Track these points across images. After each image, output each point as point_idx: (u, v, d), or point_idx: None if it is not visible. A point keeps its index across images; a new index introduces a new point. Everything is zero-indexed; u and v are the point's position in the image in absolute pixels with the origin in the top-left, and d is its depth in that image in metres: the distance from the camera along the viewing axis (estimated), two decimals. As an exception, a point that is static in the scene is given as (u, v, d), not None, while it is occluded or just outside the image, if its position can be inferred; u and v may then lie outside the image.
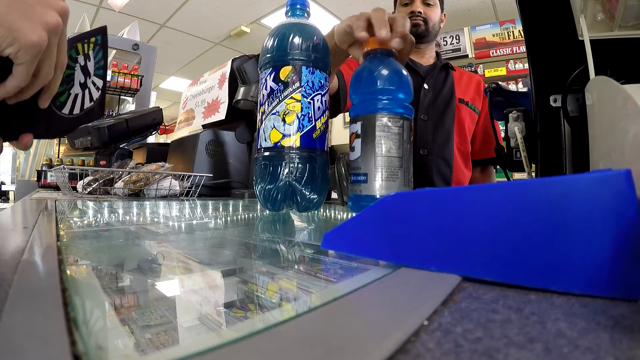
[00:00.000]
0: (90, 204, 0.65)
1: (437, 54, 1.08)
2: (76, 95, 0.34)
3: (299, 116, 0.49)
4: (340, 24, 0.53)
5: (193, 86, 1.38)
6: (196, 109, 1.30)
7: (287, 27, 0.51)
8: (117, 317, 0.14)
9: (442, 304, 0.14)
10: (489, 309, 0.14)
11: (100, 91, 0.37)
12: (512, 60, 2.89)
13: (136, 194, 0.89)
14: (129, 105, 2.21)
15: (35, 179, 1.69)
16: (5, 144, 0.30)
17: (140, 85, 2.11)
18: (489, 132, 1.04)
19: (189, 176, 0.94)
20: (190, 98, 1.37)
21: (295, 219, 0.52)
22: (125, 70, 2.05)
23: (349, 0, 2.89)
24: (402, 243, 0.19)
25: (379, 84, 0.46)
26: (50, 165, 1.72)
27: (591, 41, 0.40)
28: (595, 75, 0.39)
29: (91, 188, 0.88)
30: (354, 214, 0.25)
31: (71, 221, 0.43)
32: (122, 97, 2.14)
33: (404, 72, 0.47)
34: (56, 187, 1.49)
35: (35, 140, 0.31)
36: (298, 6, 0.53)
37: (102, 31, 0.35)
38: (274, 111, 0.50)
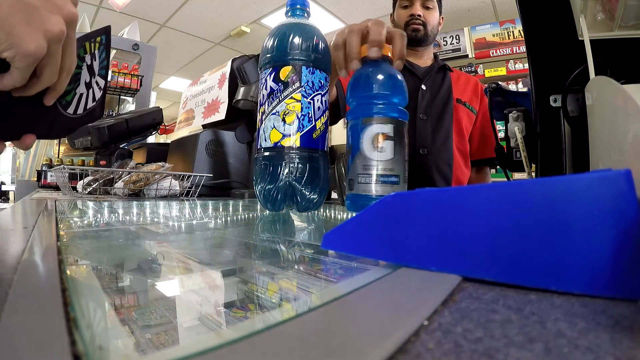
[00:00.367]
0: (90, 204, 0.65)
1: (435, 56, 1.09)
2: (81, 94, 0.34)
3: (299, 116, 0.49)
4: (334, 40, 0.54)
5: (193, 86, 1.37)
6: (196, 109, 1.30)
7: (287, 27, 0.51)
8: (117, 317, 0.14)
9: (442, 304, 0.14)
10: (489, 309, 0.14)
11: (102, 91, 0.37)
12: (512, 60, 2.89)
13: (136, 194, 0.89)
14: (129, 105, 2.21)
15: (35, 179, 1.69)
16: (7, 144, 0.30)
17: (140, 85, 2.11)
18: (485, 133, 1.05)
19: (189, 176, 0.94)
20: (190, 98, 1.37)
21: (295, 219, 0.52)
22: (125, 70, 2.05)
23: (349, 0, 2.89)
24: (402, 243, 0.19)
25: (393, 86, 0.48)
26: (50, 165, 1.72)
27: (591, 41, 0.40)
28: (595, 75, 0.39)
29: (91, 188, 0.88)
30: (353, 214, 0.25)
31: (71, 221, 0.43)
32: (122, 97, 2.14)
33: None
34: (56, 187, 1.49)
35: (35, 141, 0.31)
36: (298, 6, 0.53)
37: (106, 31, 0.36)
38: (274, 111, 0.50)
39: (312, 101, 0.50)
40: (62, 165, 0.96)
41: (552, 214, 0.15)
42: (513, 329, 0.12)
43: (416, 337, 0.11)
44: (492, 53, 2.93)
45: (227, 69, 1.15)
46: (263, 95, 0.51)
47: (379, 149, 0.46)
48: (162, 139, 4.90)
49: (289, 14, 0.54)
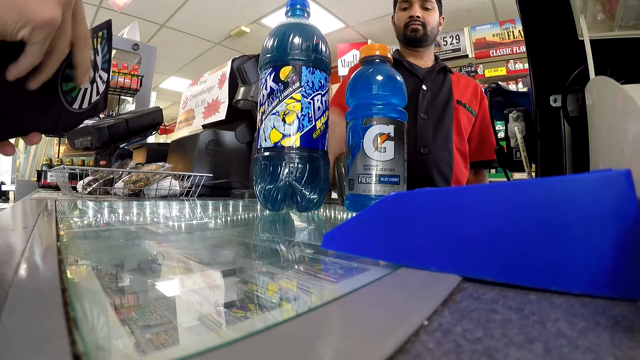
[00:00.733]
0: (90, 204, 0.65)
1: (436, 57, 1.10)
2: (85, 90, 0.34)
3: (299, 116, 0.49)
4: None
5: (193, 86, 1.37)
6: (196, 109, 1.30)
7: (287, 27, 0.51)
8: (117, 317, 0.14)
9: (442, 304, 0.14)
10: (489, 309, 0.14)
11: (105, 84, 0.37)
12: (512, 60, 2.89)
13: (136, 194, 0.89)
14: (129, 105, 2.21)
15: (35, 179, 1.69)
16: (12, 140, 0.30)
17: (140, 85, 2.10)
18: (484, 136, 1.07)
19: (189, 176, 0.94)
20: (190, 98, 1.37)
21: (295, 219, 0.52)
22: (125, 70, 2.05)
23: (349, 0, 2.89)
24: (402, 243, 0.19)
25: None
26: (50, 165, 1.72)
27: (591, 41, 0.40)
28: (595, 75, 0.39)
29: (91, 188, 0.88)
30: (354, 214, 0.25)
31: (71, 221, 0.43)
32: (122, 97, 2.14)
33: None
34: (56, 187, 1.49)
35: (41, 138, 0.32)
36: (298, 6, 0.53)
37: (108, 25, 0.36)
38: (274, 111, 0.50)
39: (312, 101, 0.50)
40: (62, 165, 0.96)
41: (552, 214, 0.15)
42: (513, 329, 0.12)
43: (416, 337, 0.11)
44: (492, 53, 2.93)
45: (227, 69, 1.15)
46: (263, 95, 0.51)
47: (379, 149, 0.46)
48: (162, 139, 4.90)
49: (289, 14, 0.54)
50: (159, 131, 1.53)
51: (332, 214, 0.59)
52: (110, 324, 0.13)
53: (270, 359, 0.09)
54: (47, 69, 0.27)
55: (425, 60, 1.06)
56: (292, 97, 0.49)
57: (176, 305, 0.16)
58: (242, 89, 1.01)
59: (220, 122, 1.14)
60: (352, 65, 3.26)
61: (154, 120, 1.38)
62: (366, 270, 0.20)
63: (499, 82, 0.68)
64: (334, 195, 1.14)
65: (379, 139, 0.46)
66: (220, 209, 0.64)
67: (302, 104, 0.49)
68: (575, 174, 0.16)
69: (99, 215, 0.50)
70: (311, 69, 0.50)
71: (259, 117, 0.52)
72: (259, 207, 0.67)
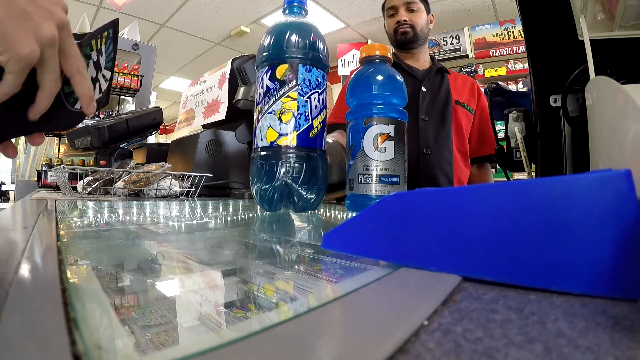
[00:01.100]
0: (90, 204, 0.65)
1: (432, 58, 1.12)
2: None
3: (296, 115, 0.49)
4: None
5: (193, 86, 1.37)
6: (196, 109, 1.29)
7: (283, 25, 0.51)
8: (117, 317, 0.14)
9: (442, 304, 0.14)
10: (489, 309, 0.14)
11: (107, 82, 0.37)
12: (512, 60, 2.89)
13: (136, 194, 0.89)
14: (129, 105, 2.21)
15: (35, 179, 1.69)
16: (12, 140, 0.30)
17: (140, 85, 2.10)
18: (483, 131, 1.09)
19: (189, 176, 0.94)
20: (190, 98, 1.37)
21: (295, 218, 0.52)
22: (125, 70, 2.05)
23: (349, 0, 2.89)
24: (402, 243, 0.19)
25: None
26: (50, 165, 1.72)
27: (591, 41, 0.40)
28: (595, 75, 0.39)
29: (91, 188, 0.88)
30: (354, 214, 0.25)
31: (71, 221, 0.43)
32: (122, 97, 2.14)
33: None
34: (56, 187, 1.49)
35: (44, 138, 0.32)
36: (295, 4, 0.53)
37: (114, 24, 0.36)
38: (270, 110, 0.49)
39: (308, 100, 0.50)
40: (62, 165, 0.96)
41: (552, 214, 0.15)
42: (513, 329, 0.12)
43: (416, 337, 0.11)
44: (492, 53, 2.93)
45: (227, 69, 1.15)
46: (259, 94, 0.51)
47: (379, 149, 0.46)
48: (162, 139, 4.91)
49: (286, 11, 0.53)
50: (159, 131, 1.53)
51: (332, 214, 0.59)
52: (110, 324, 0.13)
53: (270, 359, 0.09)
54: (41, 103, 0.28)
55: (422, 61, 1.08)
56: (288, 96, 0.49)
57: (176, 305, 0.16)
58: (242, 89, 1.01)
59: (220, 122, 1.14)
60: (353, 65, 3.27)
61: (154, 120, 1.38)
62: (366, 270, 0.20)
63: (499, 82, 0.68)
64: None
65: (379, 138, 0.46)
66: (220, 209, 0.64)
67: (298, 102, 0.49)
68: (575, 174, 0.16)
69: (99, 215, 0.50)
70: (308, 67, 0.50)
71: (255, 116, 0.52)
72: (258, 207, 0.67)
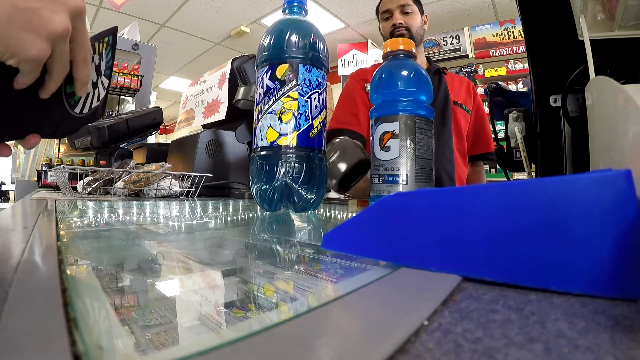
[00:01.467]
0: (90, 204, 0.65)
1: (429, 60, 1.13)
2: (88, 94, 0.34)
3: (296, 115, 0.49)
4: None
5: (193, 86, 1.37)
6: (196, 109, 1.29)
7: (283, 25, 0.51)
8: (117, 317, 0.14)
9: (442, 304, 0.14)
10: (489, 309, 0.14)
11: (105, 90, 0.37)
12: (512, 60, 2.89)
13: (136, 194, 0.89)
14: (129, 105, 2.21)
15: (35, 179, 1.69)
16: (11, 143, 0.30)
17: (140, 85, 2.10)
18: (478, 130, 1.11)
19: (189, 176, 0.94)
20: (190, 98, 1.37)
21: (295, 218, 0.52)
22: (125, 70, 2.05)
23: (349, 0, 2.89)
24: (402, 243, 0.19)
25: (413, 84, 0.48)
26: (50, 165, 1.72)
27: (591, 41, 0.40)
28: (595, 75, 0.39)
29: (91, 188, 0.88)
30: (354, 214, 0.25)
31: (71, 221, 0.43)
32: (122, 97, 2.14)
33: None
34: (56, 187, 1.49)
35: (40, 140, 0.32)
36: (295, 4, 0.53)
37: (113, 31, 0.36)
38: (270, 110, 0.49)
39: (309, 100, 0.50)
40: (62, 165, 0.96)
41: (552, 214, 0.15)
42: (513, 329, 0.12)
43: (416, 337, 0.11)
44: (492, 53, 2.93)
45: (227, 69, 1.15)
46: (259, 93, 0.51)
47: (384, 148, 0.46)
48: (162, 139, 4.90)
49: (286, 11, 0.53)
50: (159, 131, 1.53)
51: (332, 214, 0.59)
52: (110, 324, 0.13)
53: (270, 359, 0.09)
54: (50, 86, 0.28)
55: (419, 63, 1.09)
56: (288, 96, 0.49)
57: (176, 305, 0.16)
58: (242, 89, 1.01)
59: (220, 122, 1.14)
60: (353, 65, 3.27)
61: (154, 120, 1.38)
62: (366, 270, 0.20)
63: (499, 82, 0.68)
64: (334, 195, 1.14)
65: (384, 137, 0.46)
66: (220, 209, 0.64)
67: (298, 102, 0.49)
68: (575, 174, 0.16)
69: (99, 215, 0.50)
70: (308, 67, 0.50)
71: (255, 116, 0.52)
72: (258, 207, 0.67)
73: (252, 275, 0.22)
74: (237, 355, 0.10)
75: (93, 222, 0.43)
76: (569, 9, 0.45)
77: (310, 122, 0.50)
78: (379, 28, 1.13)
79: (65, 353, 0.09)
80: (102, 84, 0.36)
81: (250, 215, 0.57)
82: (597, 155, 0.37)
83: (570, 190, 0.15)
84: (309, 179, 0.50)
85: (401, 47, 0.49)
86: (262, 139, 0.50)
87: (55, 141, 1.94)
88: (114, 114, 1.85)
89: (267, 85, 0.50)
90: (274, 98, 0.49)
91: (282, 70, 0.49)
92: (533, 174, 0.55)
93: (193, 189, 0.93)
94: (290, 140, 0.48)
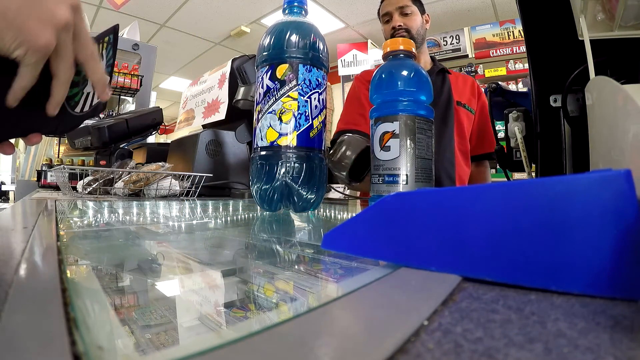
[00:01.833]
0: (90, 204, 0.65)
1: (433, 59, 1.12)
2: (88, 94, 0.34)
3: (296, 115, 0.49)
4: None
5: (193, 86, 1.37)
6: (196, 109, 1.29)
7: (283, 25, 0.51)
8: (117, 317, 0.14)
9: (442, 304, 0.14)
10: (489, 309, 0.14)
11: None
12: (512, 60, 2.89)
13: (136, 194, 0.89)
14: (129, 105, 2.21)
15: (35, 179, 1.69)
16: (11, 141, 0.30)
17: (140, 85, 2.10)
18: (483, 130, 1.10)
19: (189, 176, 0.94)
20: (190, 98, 1.37)
21: (295, 218, 0.52)
22: (125, 70, 2.05)
23: (349, 0, 2.89)
24: (402, 243, 0.19)
25: (413, 84, 0.48)
26: (50, 165, 1.72)
27: (591, 41, 0.40)
28: (595, 75, 0.39)
29: (91, 188, 0.88)
30: (354, 214, 0.25)
31: (71, 221, 0.43)
32: (122, 97, 2.14)
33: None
34: (56, 187, 1.49)
35: (41, 139, 0.32)
36: (295, 4, 0.53)
37: (114, 30, 0.36)
38: (270, 110, 0.49)
39: (309, 100, 0.50)
40: (62, 165, 0.96)
41: (552, 214, 0.15)
42: (513, 329, 0.12)
43: (416, 337, 0.11)
44: (492, 53, 2.93)
45: (227, 69, 1.15)
46: (259, 93, 0.51)
47: (384, 147, 0.46)
48: (162, 139, 4.90)
49: (286, 11, 0.53)
50: (159, 131, 1.53)
51: (332, 214, 0.59)
52: (110, 324, 0.13)
53: (270, 359, 0.09)
54: (58, 93, 0.27)
55: (422, 63, 1.09)
56: (288, 96, 0.49)
57: (176, 305, 0.16)
58: (242, 89, 1.01)
59: (220, 122, 1.14)
60: (353, 65, 3.27)
61: (154, 120, 1.38)
62: (366, 270, 0.20)
63: (499, 82, 0.68)
64: (334, 194, 1.14)
65: (383, 137, 0.46)
66: (220, 209, 0.64)
67: (298, 102, 0.49)
68: (575, 174, 0.16)
69: (99, 215, 0.50)
70: (308, 67, 0.50)
71: (255, 116, 0.52)
72: (258, 207, 0.67)
73: (252, 275, 0.22)
74: (237, 355, 0.10)
75: (93, 222, 0.43)
76: (569, 9, 0.45)
77: (310, 122, 0.50)
78: (382, 30, 1.13)
79: (65, 353, 0.09)
80: None
81: (250, 215, 0.57)
82: (597, 155, 0.37)
83: (570, 190, 0.15)
84: (309, 179, 0.50)
85: (401, 47, 0.49)
86: (262, 139, 0.50)
87: (55, 141, 1.94)
88: (114, 114, 1.85)
89: (267, 85, 0.50)
90: (274, 98, 0.49)
91: (282, 70, 0.49)
92: (533, 174, 0.55)
93: (193, 189, 0.93)
94: (290, 140, 0.49)
